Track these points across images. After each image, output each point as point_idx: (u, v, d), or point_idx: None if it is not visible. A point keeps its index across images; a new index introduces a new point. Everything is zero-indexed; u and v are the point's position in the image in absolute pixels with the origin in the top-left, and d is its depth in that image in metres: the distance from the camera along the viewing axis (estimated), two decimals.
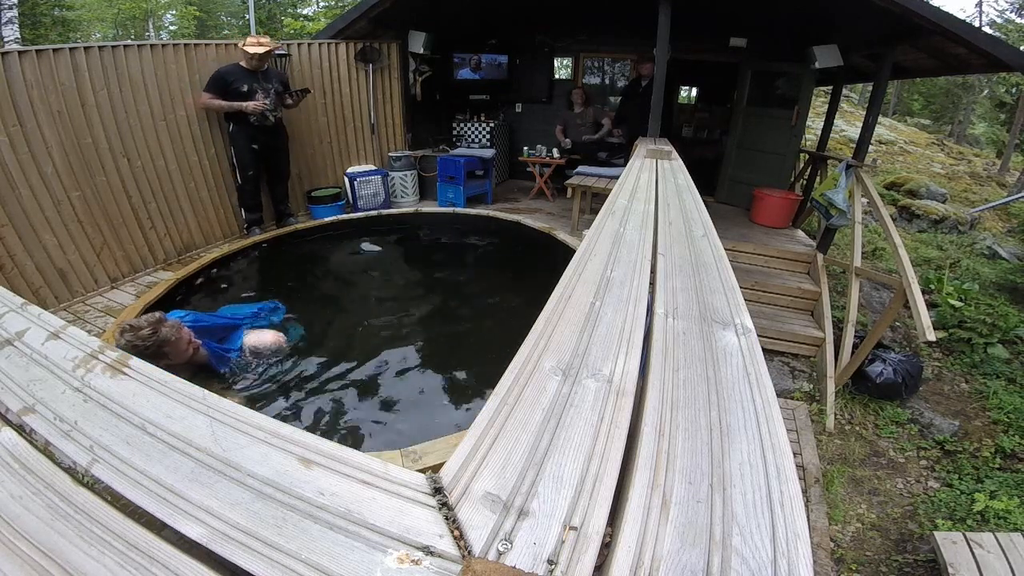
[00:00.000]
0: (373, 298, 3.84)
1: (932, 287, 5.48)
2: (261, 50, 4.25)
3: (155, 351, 2.10)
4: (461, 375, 2.87)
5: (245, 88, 4.29)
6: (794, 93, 5.47)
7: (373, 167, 5.80)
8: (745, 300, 0.99)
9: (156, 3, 17.26)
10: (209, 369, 2.49)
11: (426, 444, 1.77)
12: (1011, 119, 13.33)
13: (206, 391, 0.66)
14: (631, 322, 0.88)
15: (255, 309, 2.89)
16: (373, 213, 5.08)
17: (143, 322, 2.13)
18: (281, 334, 2.77)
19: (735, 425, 0.63)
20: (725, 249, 1.30)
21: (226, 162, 4.67)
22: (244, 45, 4.27)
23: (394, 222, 5.07)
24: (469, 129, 6.87)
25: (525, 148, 6.76)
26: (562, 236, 4.26)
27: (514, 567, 0.43)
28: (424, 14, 5.66)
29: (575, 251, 1.23)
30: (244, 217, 4.82)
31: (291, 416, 2.42)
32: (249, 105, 4.26)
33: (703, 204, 1.72)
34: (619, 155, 6.04)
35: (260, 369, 2.61)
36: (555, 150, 6.51)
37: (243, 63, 4.32)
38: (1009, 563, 2.38)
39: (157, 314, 2.21)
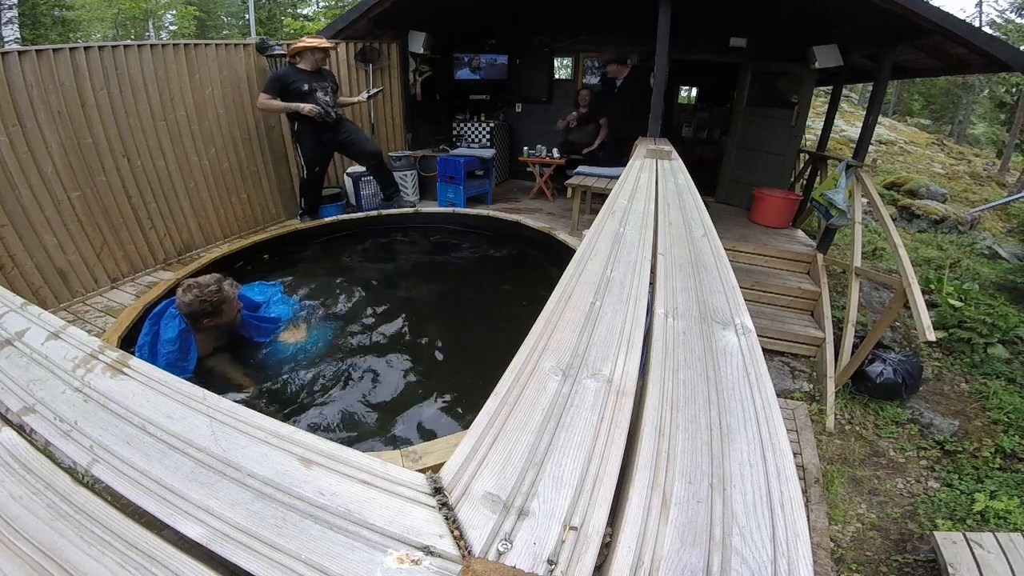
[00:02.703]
0: (372, 298, 3.84)
1: (932, 287, 5.48)
2: (326, 45, 4.47)
3: (215, 308, 2.21)
4: (461, 375, 2.87)
5: (306, 87, 4.41)
6: (794, 93, 5.47)
7: None
8: (745, 300, 0.99)
9: (156, 3, 17.25)
10: (242, 338, 2.57)
11: (426, 444, 1.77)
12: (1011, 119, 13.33)
13: (206, 391, 0.66)
14: (631, 322, 0.88)
15: (267, 294, 2.93)
16: (373, 213, 5.08)
17: (208, 279, 2.24)
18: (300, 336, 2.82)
19: (735, 425, 0.63)
20: (725, 249, 1.30)
21: (226, 162, 4.67)
22: (310, 42, 4.43)
23: (394, 222, 5.07)
24: (469, 129, 6.87)
25: (525, 148, 6.76)
26: (562, 236, 4.25)
27: (514, 567, 0.43)
28: (424, 14, 5.67)
29: (575, 251, 1.23)
30: (303, 205, 5.05)
31: (291, 416, 2.42)
32: (305, 107, 4.36)
33: (703, 204, 1.72)
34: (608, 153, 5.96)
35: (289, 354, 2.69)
36: (555, 150, 6.50)
37: (302, 64, 4.45)
38: (1009, 563, 2.38)
39: (216, 274, 2.32)
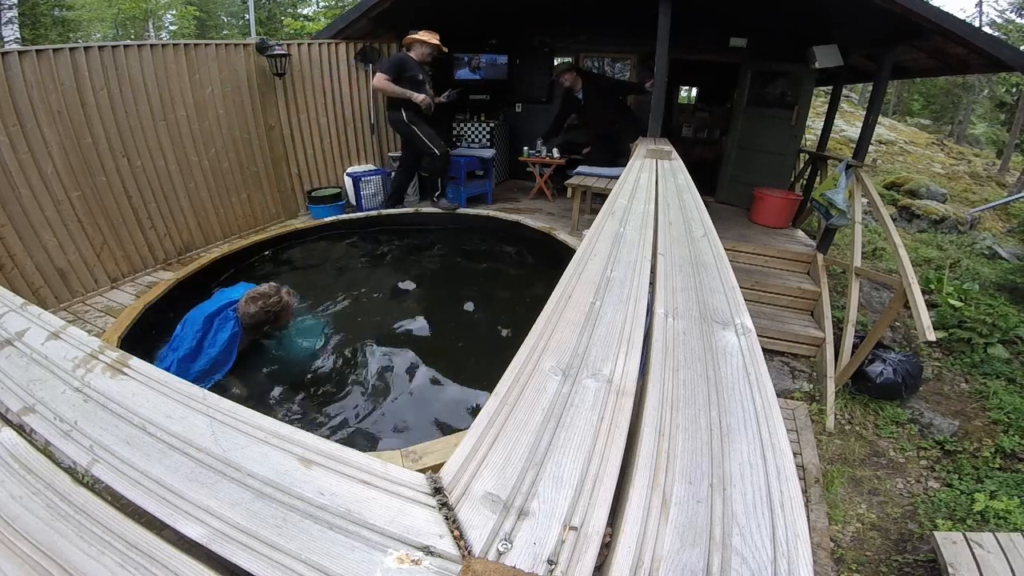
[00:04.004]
0: (372, 298, 3.84)
1: (932, 287, 5.48)
2: (435, 40, 4.64)
3: (275, 316, 2.38)
4: (461, 375, 2.87)
5: (420, 77, 4.63)
6: (794, 93, 5.47)
7: (373, 167, 5.80)
8: (745, 300, 0.99)
9: (156, 3, 17.24)
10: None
11: (426, 444, 1.77)
12: (1011, 119, 13.32)
13: (206, 391, 0.66)
14: (631, 322, 0.88)
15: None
16: (373, 213, 5.08)
17: (269, 290, 2.41)
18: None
19: (735, 425, 0.63)
20: (725, 249, 1.30)
21: (226, 162, 4.67)
22: (423, 36, 4.59)
23: (394, 222, 5.07)
24: (469, 129, 6.86)
25: (525, 148, 6.75)
26: (562, 236, 4.25)
27: (514, 567, 0.43)
28: (424, 14, 5.66)
29: (575, 251, 1.23)
30: (440, 186, 5.12)
31: (291, 416, 2.42)
32: (419, 96, 4.55)
33: (703, 204, 1.72)
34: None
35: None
36: (555, 150, 6.50)
37: (414, 55, 4.64)
38: (1009, 563, 2.38)
39: (274, 284, 2.47)
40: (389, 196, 5.41)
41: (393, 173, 5.49)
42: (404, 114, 4.68)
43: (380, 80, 4.50)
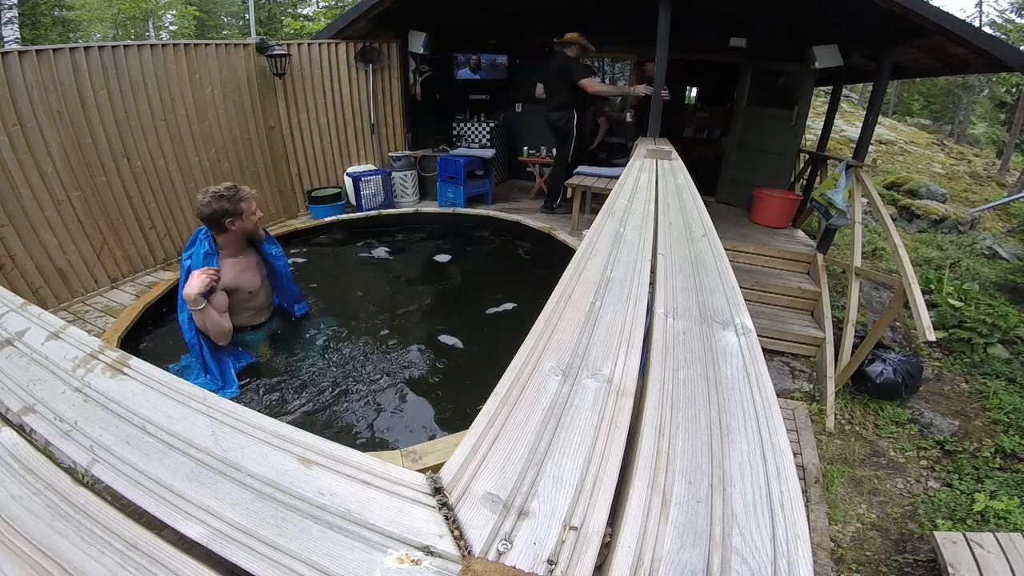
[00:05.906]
0: (372, 298, 3.84)
1: (932, 287, 5.48)
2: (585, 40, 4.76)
3: (232, 204, 2.34)
4: (461, 375, 2.87)
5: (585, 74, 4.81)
6: (794, 93, 5.47)
7: (373, 167, 5.80)
8: (745, 300, 0.99)
9: (156, 3, 17.24)
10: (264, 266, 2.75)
11: (426, 444, 1.77)
12: (1011, 119, 13.34)
13: (206, 391, 0.66)
14: (631, 322, 0.88)
15: None
16: (373, 213, 5.08)
17: (222, 184, 2.42)
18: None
19: (735, 425, 0.63)
20: (725, 249, 1.30)
21: (226, 162, 4.67)
22: (578, 38, 4.74)
23: (394, 222, 5.07)
24: (469, 129, 6.86)
25: (525, 148, 6.75)
26: (562, 236, 4.25)
27: (514, 567, 0.43)
28: (424, 14, 5.67)
29: (575, 251, 1.23)
30: (564, 195, 5.27)
31: (290, 416, 2.42)
32: (640, 88, 4.64)
33: (703, 204, 1.72)
34: (619, 155, 6.03)
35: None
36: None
37: (570, 53, 4.75)
38: (1009, 563, 2.38)
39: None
40: (553, 195, 5.48)
41: (551, 170, 5.66)
42: (575, 118, 4.84)
43: (592, 84, 4.62)
